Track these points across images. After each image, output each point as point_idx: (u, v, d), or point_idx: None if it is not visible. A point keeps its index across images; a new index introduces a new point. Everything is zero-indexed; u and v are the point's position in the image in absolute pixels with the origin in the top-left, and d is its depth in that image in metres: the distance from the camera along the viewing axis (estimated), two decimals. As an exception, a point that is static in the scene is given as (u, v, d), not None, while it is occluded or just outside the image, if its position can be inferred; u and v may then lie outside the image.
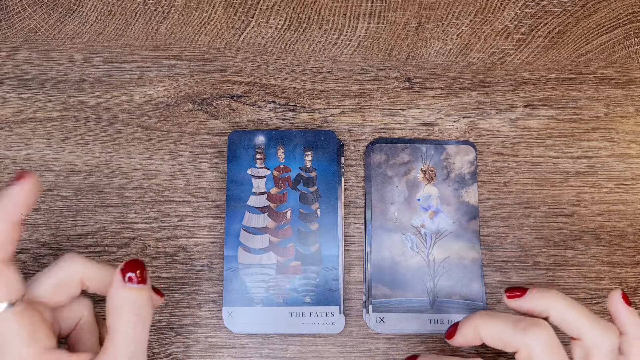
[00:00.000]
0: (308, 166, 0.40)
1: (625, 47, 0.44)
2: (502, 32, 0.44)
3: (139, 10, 0.44)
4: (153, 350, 0.38)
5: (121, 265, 0.28)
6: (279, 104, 0.42)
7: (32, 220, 0.40)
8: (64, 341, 0.31)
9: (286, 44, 0.44)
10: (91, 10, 0.44)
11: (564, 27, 0.44)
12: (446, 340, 0.32)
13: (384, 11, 0.45)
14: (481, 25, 0.44)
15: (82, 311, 0.30)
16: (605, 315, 0.31)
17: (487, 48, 0.44)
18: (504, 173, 0.42)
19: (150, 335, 0.35)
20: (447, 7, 0.45)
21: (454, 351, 0.38)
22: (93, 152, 0.41)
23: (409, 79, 0.43)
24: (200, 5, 0.44)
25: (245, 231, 0.39)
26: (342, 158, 0.41)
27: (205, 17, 0.44)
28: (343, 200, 0.40)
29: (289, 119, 0.42)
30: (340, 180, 0.40)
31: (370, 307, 0.38)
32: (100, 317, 0.32)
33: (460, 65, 0.44)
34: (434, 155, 0.41)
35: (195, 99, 0.42)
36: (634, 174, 0.42)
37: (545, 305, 0.29)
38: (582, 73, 0.44)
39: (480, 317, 0.30)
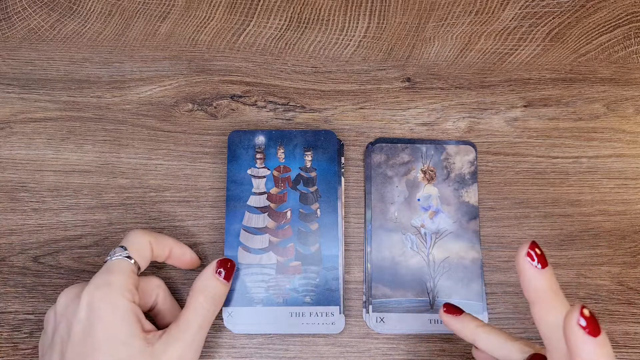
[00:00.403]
0: (308, 166, 0.40)
1: (625, 47, 0.44)
2: (502, 32, 0.44)
3: (139, 10, 0.44)
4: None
5: (220, 258, 0.35)
6: (279, 104, 0.42)
7: (32, 220, 0.40)
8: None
9: (286, 44, 0.44)
10: (91, 10, 0.44)
11: (564, 27, 0.44)
12: (442, 312, 0.32)
13: (384, 11, 0.45)
14: (481, 25, 0.44)
15: (157, 291, 0.35)
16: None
17: (487, 48, 0.44)
18: (504, 173, 0.42)
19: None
20: (447, 7, 0.45)
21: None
22: (93, 152, 0.41)
23: (409, 79, 0.43)
24: (200, 5, 0.44)
25: (245, 231, 0.39)
26: (342, 158, 0.41)
27: (205, 17, 0.44)
28: (343, 200, 0.40)
29: (289, 119, 0.42)
30: (340, 180, 0.40)
31: (370, 307, 0.38)
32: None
33: (460, 65, 0.44)
34: (434, 155, 0.41)
35: (195, 99, 0.42)
36: (634, 174, 0.42)
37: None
38: (582, 73, 0.44)
39: (484, 329, 0.30)
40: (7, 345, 0.38)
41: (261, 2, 0.44)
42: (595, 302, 0.39)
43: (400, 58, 0.44)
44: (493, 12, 0.45)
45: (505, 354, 0.29)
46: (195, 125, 0.42)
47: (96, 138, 0.41)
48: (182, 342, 0.31)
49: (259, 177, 0.40)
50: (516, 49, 0.44)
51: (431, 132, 0.42)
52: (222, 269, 0.35)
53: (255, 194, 0.39)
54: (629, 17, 0.45)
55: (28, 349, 0.38)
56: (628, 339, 0.39)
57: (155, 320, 0.36)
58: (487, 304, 0.39)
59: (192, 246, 0.40)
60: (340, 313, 0.38)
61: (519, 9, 0.45)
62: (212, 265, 0.35)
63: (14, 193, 0.40)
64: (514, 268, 0.40)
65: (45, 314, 0.38)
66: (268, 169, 0.40)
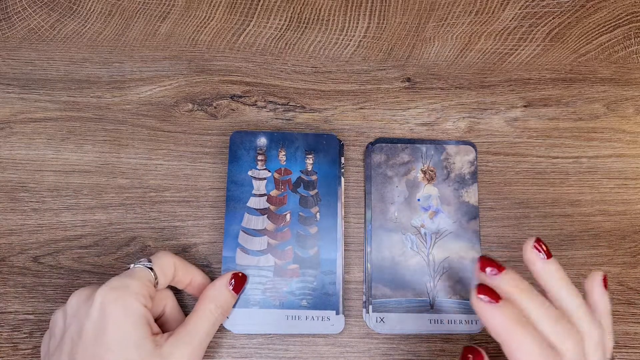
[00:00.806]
0: (309, 169, 0.40)
1: (625, 47, 0.44)
2: (502, 32, 0.44)
3: (139, 10, 0.44)
4: (153, 351, 0.38)
5: (234, 272, 0.37)
6: (279, 104, 0.42)
7: (32, 220, 0.40)
8: None
9: (286, 44, 0.44)
10: (91, 10, 0.44)
11: (564, 27, 0.44)
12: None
13: (384, 11, 0.45)
14: (481, 25, 0.44)
15: (166, 301, 0.36)
16: (613, 312, 0.31)
17: (487, 48, 0.44)
18: (504, 173, 0.42)
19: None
20: (447, 7, 0.45)
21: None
22: (93, 152, 0.41)
23: (409, 79, 0.43)
24: (200, 5, 0.44)
25: (244, 232, 0.39)
26: (342, 158, 0.41)
27: (205, 17, 0.44)
28: (343, 201, 0.40)
29: (289, 119, 0.42)
30: (340, 181, 0.40)
31: (370, 307, 0.38)
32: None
33: (460, 65, 0.44)
34: (434, 155, 0.41)
35: (195, 99, 0.42)
36: (634, 174, 0.42)
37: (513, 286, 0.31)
38: (582, 73, 0.44)
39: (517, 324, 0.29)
40: (7, 345, 0.38)
41: (261, 2, 0.44)
42: (595, 302, 0.39)
43: (400, 58, 0.44)
44: (493, 12, 0.45)
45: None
46: (195, 126, 0.42)
47: (96, 138, 0.41)
48: (190, 346, 0.32)
49: (260, 179, 0.40)
50: (516, 49, 0.44)
51: (431, 132, 0.42)
52: (234, 281, 0.36)
53: (255, 195, 0.39)
54: (629, 17, 0.45)
55: (28, 349, 0.38)
56: (628, 339, 0.39)
57: (161, 329, 0.36)
58: (487, 304, 0.39)
59: (192, 246, 0.40)
60: (337, 314, 0.38)
61: (519, 9, 0.45)
62: (226, 277, 0.36)
63: (14, 193, 0.40)
64: (514, 268, 0.40)
65: (45, 314, 0.38)
66: (269, 171, 0.40)
